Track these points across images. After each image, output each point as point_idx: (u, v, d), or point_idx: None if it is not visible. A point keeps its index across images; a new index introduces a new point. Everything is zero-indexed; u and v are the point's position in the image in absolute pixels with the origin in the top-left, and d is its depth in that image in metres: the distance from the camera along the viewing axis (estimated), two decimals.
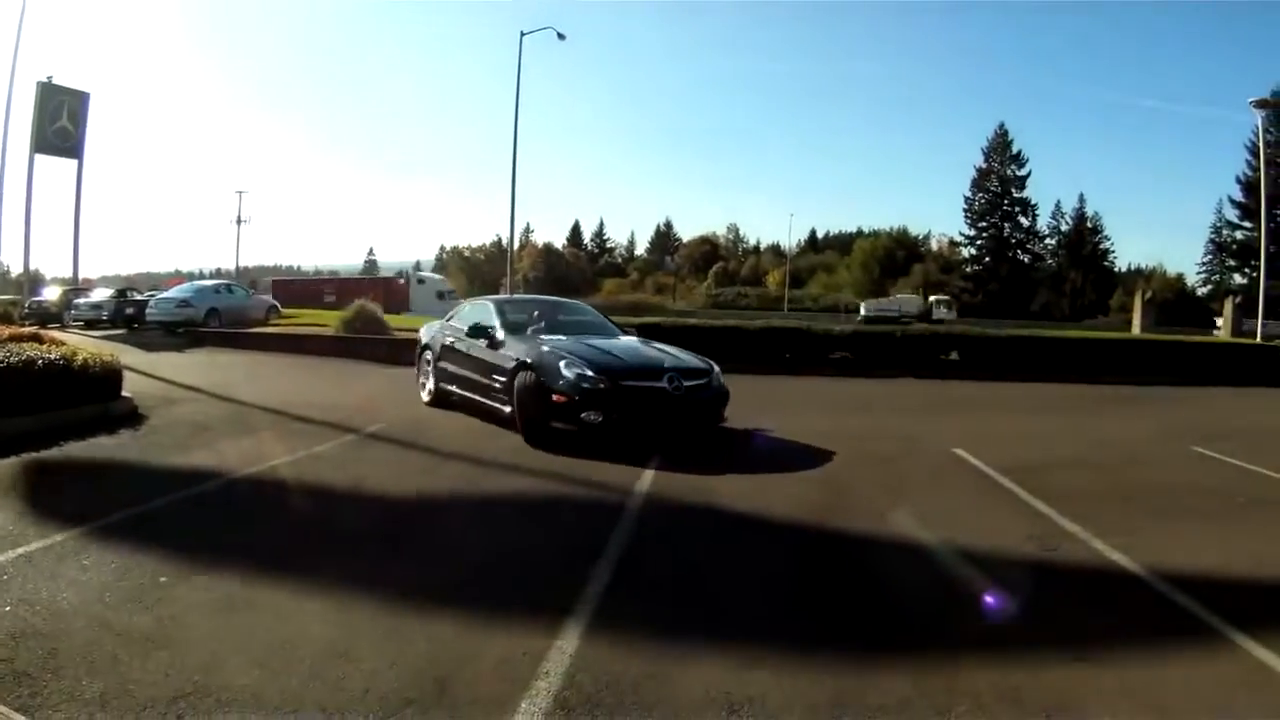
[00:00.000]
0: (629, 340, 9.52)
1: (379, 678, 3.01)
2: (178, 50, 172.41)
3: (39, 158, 35.03)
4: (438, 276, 62.03)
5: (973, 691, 3.07)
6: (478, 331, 9.26)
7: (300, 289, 54.35)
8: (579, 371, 7.70)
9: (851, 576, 4.57)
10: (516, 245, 49.66)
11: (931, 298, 54.10)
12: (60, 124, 35.82)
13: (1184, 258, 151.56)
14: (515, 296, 22.19)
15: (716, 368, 8.64)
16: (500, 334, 9.04)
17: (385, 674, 3.04)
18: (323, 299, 42.28)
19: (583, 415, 7.56)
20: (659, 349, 8.92)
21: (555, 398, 7.67)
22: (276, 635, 3.37)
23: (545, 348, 8.30)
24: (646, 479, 6.44)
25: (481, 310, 10.11)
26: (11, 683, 2.83)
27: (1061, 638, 3.65)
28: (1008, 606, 4.01)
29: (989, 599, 4.09)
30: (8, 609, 3.45)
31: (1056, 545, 5.11)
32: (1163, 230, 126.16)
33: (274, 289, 57.79)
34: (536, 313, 10.23)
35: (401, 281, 54.96)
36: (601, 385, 7.63)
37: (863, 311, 51.38)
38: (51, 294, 29.92)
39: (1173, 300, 61.63)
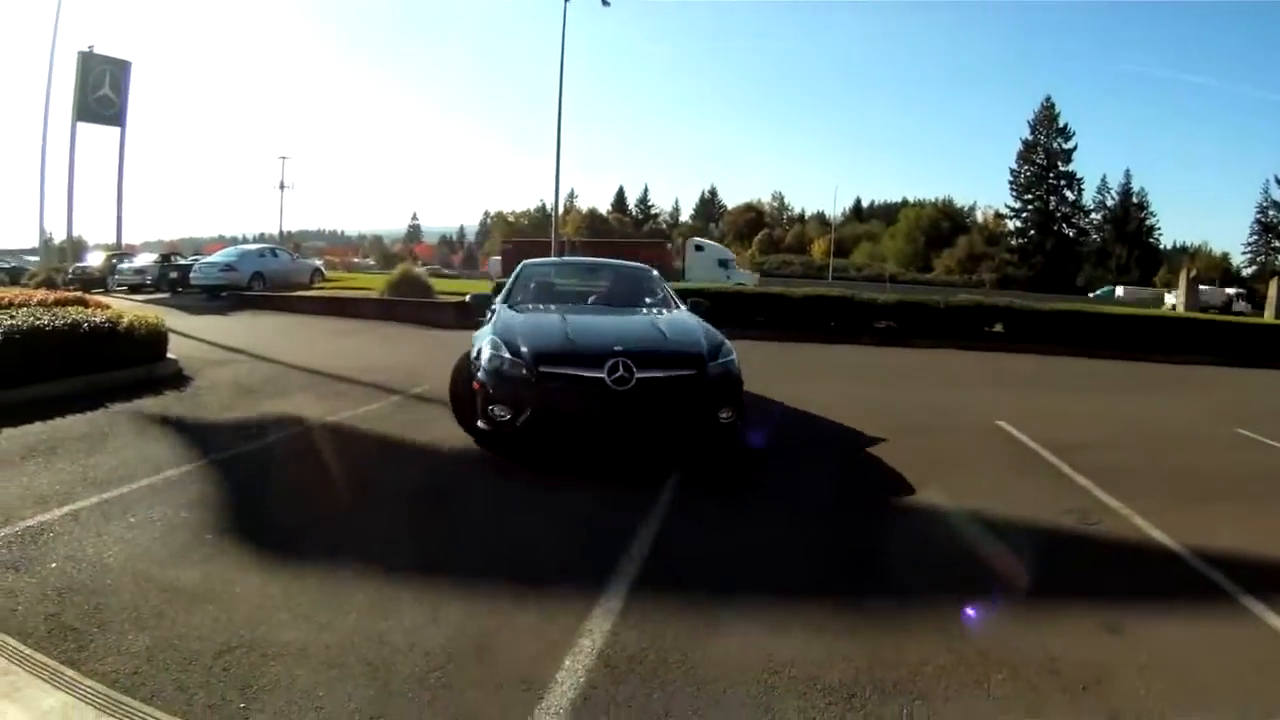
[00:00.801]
0: (643, 315, 7.31)
1: (422, 633, 3.06)
2: (220, 12, 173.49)
3: (81, 126, 35.78)
4: (715, 244, 53.51)
5: (1010, 662, 3.06)
6: (482, 302, 7.80)
7: (539, 254, 48.10)
8: (494, 352, 5.91)
9: (892, 546, 4.53)
10: (561, 210, 47.65)
11: (1229, 290, 53.56)
12: (102, 92, 36.40)
13: (1230, 237, 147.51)
14: (559, 259, 19.73)
15: (728, 352, 6.22)
16: (497, 304, 7.33)
17: (428, 629, 3.09)
18: None
19: (490, 409, 5.78)
20: (652, 324, 6.79)
21: (475, 385, 6.00)
22: (321, 591, 3.44)
23: (503, 321, 6.52)
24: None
25: (511, 277, 8.47)
26: (59, 637, 2.90)
27: (1099, 611, 3.62)
28: (1046, 579, 3.99)
29: (1027, 571, 4.06)
30: (54, 565, 3.53)
31: (1097, 520, 5.05)
32: (1209, 209, 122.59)
33: (503, 252, 52.70)
34: (569, 279, 8.78)
35: (669, 247, 50.82)
36: (522, 371, 5.72)
37: (1168, 300, 50.36)
38: (95, 260, 30.26)
39: (1217, 280, 60.19)
